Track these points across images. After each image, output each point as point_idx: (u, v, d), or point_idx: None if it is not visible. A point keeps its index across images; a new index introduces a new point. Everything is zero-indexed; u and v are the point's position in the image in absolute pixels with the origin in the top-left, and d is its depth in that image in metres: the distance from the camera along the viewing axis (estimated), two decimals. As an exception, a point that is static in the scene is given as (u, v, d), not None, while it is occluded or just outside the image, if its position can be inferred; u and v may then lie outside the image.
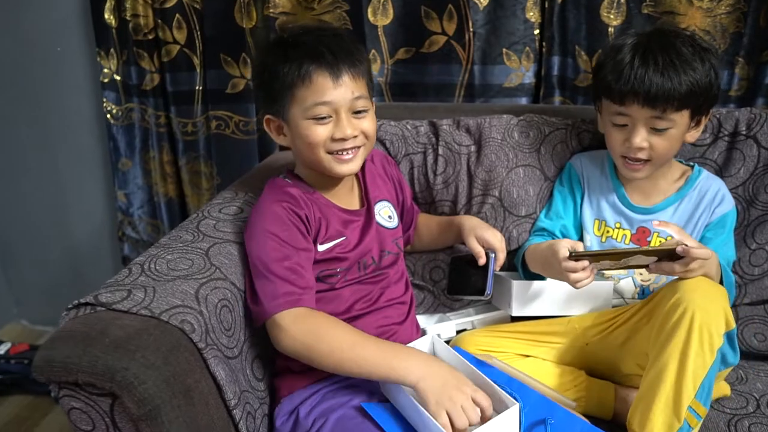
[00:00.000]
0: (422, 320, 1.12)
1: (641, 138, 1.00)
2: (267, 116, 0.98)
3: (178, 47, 1.52)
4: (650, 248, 0.89)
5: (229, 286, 0.89)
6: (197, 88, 1.56)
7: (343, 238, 0.98)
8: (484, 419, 0.79)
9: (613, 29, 1.32)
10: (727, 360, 0.93)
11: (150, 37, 1.52)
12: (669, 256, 0.88)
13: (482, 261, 1.02)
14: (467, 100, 1.46)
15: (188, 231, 0.98)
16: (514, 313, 1.03)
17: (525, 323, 1.10)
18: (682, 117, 0.99)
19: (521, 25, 1.37)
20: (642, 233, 1.09)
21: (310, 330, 0.85)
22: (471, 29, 1.38)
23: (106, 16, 1.56)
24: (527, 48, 1.39)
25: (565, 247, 0.95)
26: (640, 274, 1.10)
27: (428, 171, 1.20)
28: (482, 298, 1.02)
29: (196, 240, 0.95)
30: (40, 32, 1.68)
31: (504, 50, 1.40)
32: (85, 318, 0.74)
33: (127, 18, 1.52)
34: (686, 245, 0.86)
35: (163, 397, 0.69)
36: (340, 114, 0.92)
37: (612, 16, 1.32)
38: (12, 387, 1.74)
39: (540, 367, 1.05)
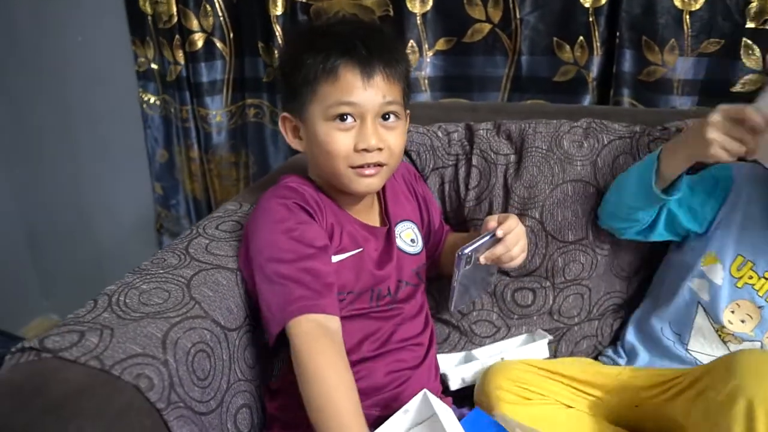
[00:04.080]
0: (444, 360, 0.96)
1: None
2: (283, 114, 0.85)
3: (204, 35, 1.41)
4: None
5: (210, 325, 0.76)
6: (226, 77, 1.47)
7: (360, 249, 0.84)
8: None
9: (689, 15, 1.10)
10: None
11: (168, 26, 1.41)
12: None
13: (492, 224, 0.82)
14: (514, 96, 1.30)
15: (175, 252, 0.86)
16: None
17: (569, 365, 0.91)
18: None
19: (576, 11, 1.18)
20: None
21: (309, 358, 0.70)
22: (518, 16, 1.21)
23: (141, 3, 1.48)
24: (581, 37, 1.19)
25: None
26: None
27: (460, 185, 1.03)
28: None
29: (181, 265, 0.83)
30: (73, 19, 1.62)
31: (555, 39, 1.21)
32: (27, 367, 0.64)
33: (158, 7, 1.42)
34: None
35: (99, 477, 0.58)
36: (365, 119, 0.78)
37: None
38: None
39: (584, 423, 0.87)
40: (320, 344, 0.71)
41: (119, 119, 1.71)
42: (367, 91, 0.77)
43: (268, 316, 0.76)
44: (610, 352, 0.99)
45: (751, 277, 0.85)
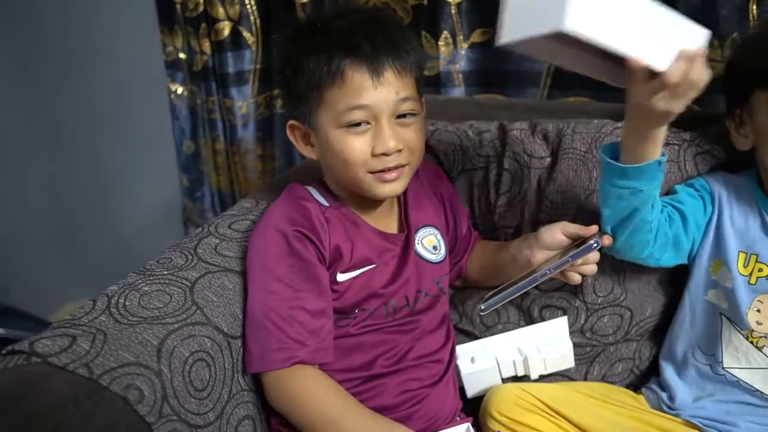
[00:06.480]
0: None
1: None
2: (290, 122, 0.80)
3: (230, 24, 1.37)
4: None
5: (211, 332, 0.72)
6: (253, 67, 1.42)
7: (372, 266, 0.79)
8: None
9: (755, 5, 1.00)
10: None
11: (194, 14, 1.38)
12: None
13: (592, 230, 0.77)
14: (554, 93, 1.21)
15: (183, 251, 0.82)
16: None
17: (585, 413, 0.82)
18: None
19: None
20: None
21: (289, 397, 0.72)
22: (561, 6, 1.11)
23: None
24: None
25: None
26: None
27: (490, 189, 0.96)
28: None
29: (188, 266, 0.79)
30: (101, 6, 1.60)
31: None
32: (14, 372, 0.60)
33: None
34: None
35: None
36: (380, 121, 0.73)
37: (757, -12, 0.99)
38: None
39: None
40: (289, 386, 0.72)
41: (148, 109, 1.69)
42: (378, 91, 0.72)
43: (247, 349, 0.75)
44: (654, 385, 0.90)
45: (761, 270, 0.79)
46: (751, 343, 0.81)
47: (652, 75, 0.61)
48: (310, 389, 0.71)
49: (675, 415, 0.85)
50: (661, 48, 0.60)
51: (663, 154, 0.72)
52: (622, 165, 0.72)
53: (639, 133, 0.70)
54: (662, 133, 0.70)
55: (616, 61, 0.60)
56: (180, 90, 1.59)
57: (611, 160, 0.73)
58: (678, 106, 0.63)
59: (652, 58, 0.59)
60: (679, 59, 0.60)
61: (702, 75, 0.61)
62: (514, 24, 0.59)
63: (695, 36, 0.62)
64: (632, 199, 0.74)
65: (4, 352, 0.63)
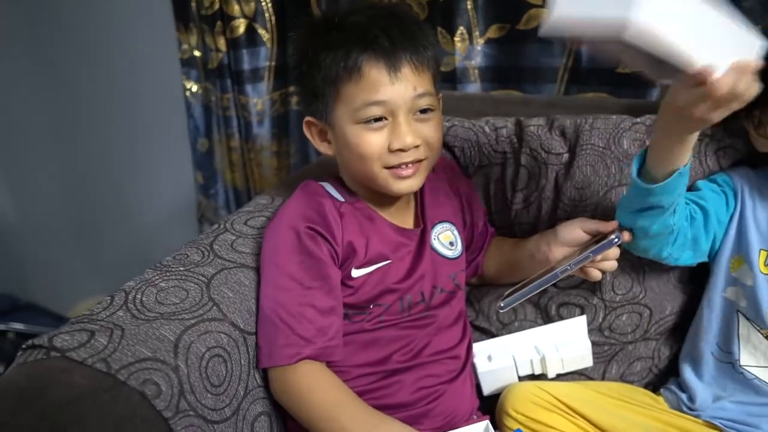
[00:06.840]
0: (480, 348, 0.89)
1: None
2: (307, 118, 0.80)
3: (246, 21, 1.37)
4: None
5: (228, 328, 0.72)
6: (268, 64, 1.42)
7: (388, 261, 0.79)
8: None
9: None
10: None
11: (210, 12, 1.38)
12: None
13: (612, 226, 0.77)
14: (571, 88, 1.19)
15: (200, 248, 0.82)
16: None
17: (604, 412, 0.81)
18: None
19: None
20: None
21: (293, 391, 0.72)
22: (579, 1, 1.10)
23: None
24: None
25: None
26: None
27: (507, 186, 0.95)
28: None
29: (204, 262, 0.79)
30: (119, 4, 1.62)
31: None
32: (33, 366, 0.61)
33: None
34: None
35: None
36: (397, 117, 0.72)
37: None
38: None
39: None
40: (291, 382, 0.72)
41: (163, 107, 1.70)
42: (395, 86, 0.71)
43: (257, 345, 0.75)
44: (673, 386, 0.89)
45: None
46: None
47: (699, 82, 0.57)
48: (314, 385, 0.71)
49: (695, 416, 0.83)
50: (714, 55, 0.55)
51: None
52: (647, 186, 0.70)
53: (670, 137, 0.67)
54: (694, 138, 0.67)
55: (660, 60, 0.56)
56: (194, 88, 1.60)
57: (636, 178, 0.71)
58: (718, 116, 0.60)
59: (706, 64, 0.55)
60: (729, 71, 0.56)
61: (750, 88, 0.57)
62: (567, 4, 0.54)
63: (750, 45, 0.58)
64: (656, 209, 0.73)
65: (24, 346, 0.63)
